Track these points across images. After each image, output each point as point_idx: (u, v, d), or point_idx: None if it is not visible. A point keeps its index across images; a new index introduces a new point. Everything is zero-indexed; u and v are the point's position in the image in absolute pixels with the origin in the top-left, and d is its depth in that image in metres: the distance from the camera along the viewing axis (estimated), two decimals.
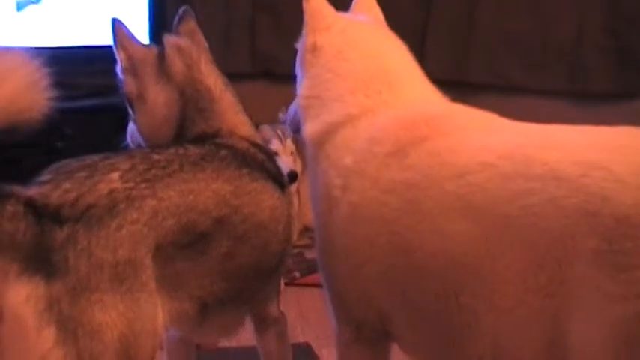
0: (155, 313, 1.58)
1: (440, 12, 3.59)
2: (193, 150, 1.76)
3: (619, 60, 3.51)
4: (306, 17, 1.95)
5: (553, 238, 1.41)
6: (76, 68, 3.39)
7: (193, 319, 1.74)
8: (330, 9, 1.97)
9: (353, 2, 2.08)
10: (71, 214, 1.49)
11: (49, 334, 1.44)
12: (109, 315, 1.48)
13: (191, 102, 1.96)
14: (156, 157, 1.68)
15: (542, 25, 3.59)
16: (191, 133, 1.94)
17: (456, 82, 1.89)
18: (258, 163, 1.88)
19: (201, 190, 1.69)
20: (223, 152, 1.80)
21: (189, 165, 1.70)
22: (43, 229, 1.46)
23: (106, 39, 3.43)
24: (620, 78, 3.52)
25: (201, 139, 1.89)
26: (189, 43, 2.01)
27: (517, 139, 1.58)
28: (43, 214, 1.47)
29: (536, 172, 1.44)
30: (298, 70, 2.00)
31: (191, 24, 2.05)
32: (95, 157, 1.63)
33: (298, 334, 2.81)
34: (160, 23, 3.48)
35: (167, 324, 1.64)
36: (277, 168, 1.99)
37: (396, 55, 1.93)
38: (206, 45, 2.05)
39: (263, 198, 1.83)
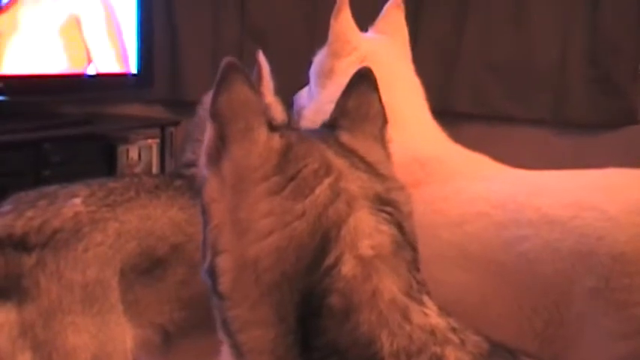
0: (124, 335, 1.60)
1: (425, 41, 3.62)
2: (147, 179, 1.82)
3: (602, 90, 3.54)
4: (331, 38, 1.89)
5: (549, 281, 1.41)
6: (63, 97, 3.41)
7: (158, 347, 1.74)
8: (354, 33, 1.90)
9: (380, 16, 1.99)
10: (38, 240, 1.52)
11: None
12: (81, 338, 1.49)
13: None
14: (112, 184, 1.72)
15: (526, 55, 3.63)
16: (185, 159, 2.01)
17: (442, 112, 1.90)
18: None
19: (158, 216, 1.72)
20: (178, 182, 1.84)
21: (145, 192, 1.74)
22: (8, 260, 1.49)
23: (92, 68, 3.47)
24: (603, 108, 3.54)
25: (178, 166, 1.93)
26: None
27: (509, 186, 1.59)
28: (7, 244, 1.50)
29: (529, 218, 1.45)
30: (311, 81, 1.96)
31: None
32: (52, 187, 1.67)
33: None
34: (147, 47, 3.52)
35: (133, 350, 1.64)
36: None
37: (402, 92, 1.84)
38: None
39: None
